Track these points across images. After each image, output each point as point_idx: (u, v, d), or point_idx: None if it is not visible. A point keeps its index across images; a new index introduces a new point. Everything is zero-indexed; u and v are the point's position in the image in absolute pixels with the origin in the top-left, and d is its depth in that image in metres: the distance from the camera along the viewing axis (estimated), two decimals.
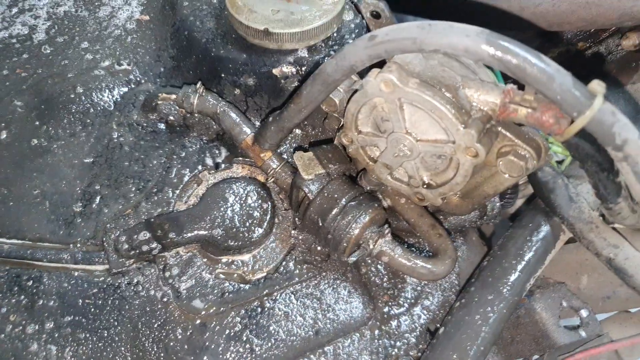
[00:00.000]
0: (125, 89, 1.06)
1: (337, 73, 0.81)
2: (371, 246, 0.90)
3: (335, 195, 0.92)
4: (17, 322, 0.87)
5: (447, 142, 0.80)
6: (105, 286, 0.92)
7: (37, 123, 1.01)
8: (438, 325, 1.02)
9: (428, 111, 0.78)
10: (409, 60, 0.80)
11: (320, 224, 0.92)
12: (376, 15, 1.17)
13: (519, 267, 0.99)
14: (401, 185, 0.93)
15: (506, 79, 0.81)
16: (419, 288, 1.06)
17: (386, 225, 0.92)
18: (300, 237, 1.02)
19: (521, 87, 0.75)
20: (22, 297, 0.89)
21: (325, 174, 0.95)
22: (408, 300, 1.04)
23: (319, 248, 1.01)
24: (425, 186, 0.89)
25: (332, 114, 0.98)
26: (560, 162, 1.17)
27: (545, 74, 0.64)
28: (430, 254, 0.97)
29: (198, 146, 1.05)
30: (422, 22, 0.72)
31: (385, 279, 1.05)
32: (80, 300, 0.90)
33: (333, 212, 0.91)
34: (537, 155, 0.79)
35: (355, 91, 0.88)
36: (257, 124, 1.08)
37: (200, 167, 1.03)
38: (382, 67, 0.80)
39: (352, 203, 0.91)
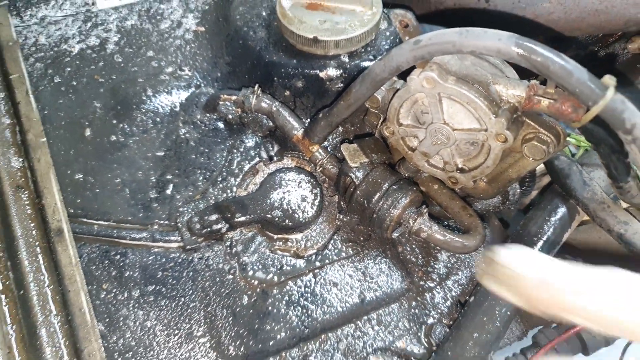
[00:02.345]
0: (188, 92, 1.21)
1: (384, 72, 0.95)
2: (411, 224, 1.04)
3: (379, 181, 1.06)
4: (109, 290, 1.01)
5: (480, 130, 0.94)
6: (180, 260, 1.06)
7: (115, 122, 1.15)
8: (467, 297, 1.15)
9: (464, 103, 0.92)
10: (446, 60, 0.94)
11: (366, 206, 1.06)
12: (405, 25, 1.32)
13: (540, 243, 1.12)
14: (437, 171, 1.06)
15: (527, 76, 0.96)
16: (449, 265, 1.19)
17: (424, 206, 1.06)
18: (344, 219, 1.16)
19: (542, 82, 0.89)
20: (112, 269, 1.03)
21: (368, 162, 1.09)
22: (440, 275, 1.18)
23: (361, 228, 1.15)
24: (459, 170, 1.03)
25: (373, 110, 1.12)
26: (573, 155, 1.31)
27: (565, 69, 0.78)
28: (461, 231, 1.11)
29: (254, 142, 1.19)
30: (460, 28, 0.86)
31: (419, 257, 1.19)
32: (160, 273, 1.04)
33: (377, 195, 1.05)
34: (556, 141, 0.93)
35: (397, 89, 1.02)
36: (305, 121, 1.22)
37: (256, 160, 1.17)
38: (423, 68, 0.94)
39: (394, 187, 1.05)
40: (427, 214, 1.05)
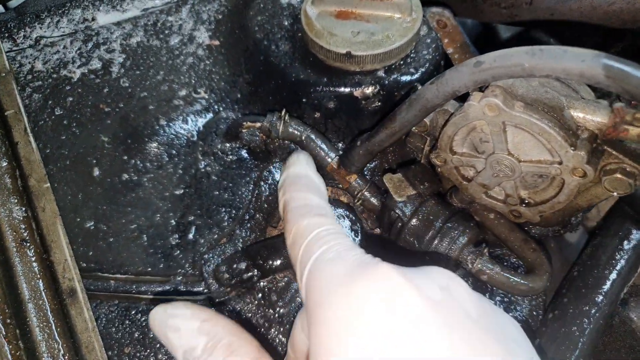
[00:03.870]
0: (206, 118, 1.08)
1: (438, 98, 0.81)
2: (470, 265, 0.91)
3: (431, 217, 0.93)
4: (132, 355, 0.89)
5: (552, 163, 0.80)
6: None
7: (125, 157, 1.02)
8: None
9: (534, 133, 0.78)
10: (510, 82, 0.80)
11: (417, 247, 0.93)
12: (444, 25, 1.17)
13: (612, 276, 0.99)
14: (497, 203, 0.93)
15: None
16: (506, 299, 1.07)
17: (484, 245, 0.93)
18: (389, 256, 1.03)
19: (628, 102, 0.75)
20: (134, 330, 0.91)
21: (416, 195, 0.95)
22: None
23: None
24: (523, 204, 0.90)
25: (418, 132, 0.98)
26: None
27: None
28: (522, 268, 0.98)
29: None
30: (531, 48, 0.72)
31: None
32: None
33: (430, 234, 0.92)
34: None
35: (450, 113, 0.88)
36: (339, 145, 1.08)
37: None
38: (484, 91, 0.80)
39: (448, 224, 0.92)
40: (487, 253, 0.92)
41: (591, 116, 0.77)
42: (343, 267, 0.54)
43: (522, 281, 0.91)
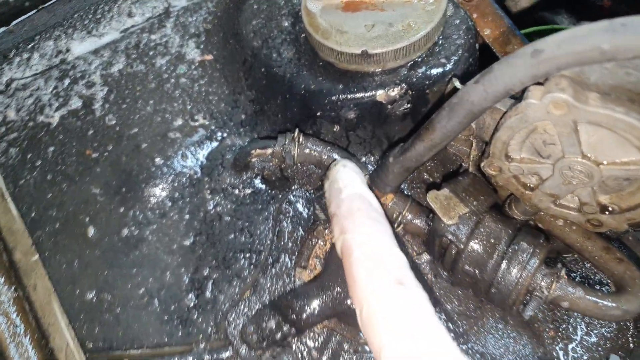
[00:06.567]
0: (209, 149, 0.93)
1: (486, 101, 0.64)
2: (545, 293, 0.75)
3: (492, 240, 0.76)
4: None
5: None
6: None
7: (122, 210, 0.88)
8: (620, 357, 0.86)
9: (618, 130, 0.61)
10: (579, 67, 0.62)
11: (479, 277, 0.77)
12: None
13: None
14: (570, 212, 0.76)
15: None
16: (586, 317, 0.90)
17: (559, 265, 0.76)
18: (444, 284, 0.87)
19: None
20: None
21: (470, 213, 0.79)
22: (579, 330, 0.89)
23: (469, 293, 0.87)
24: (606, 212, 0.72)
25: (463, 137, 0.81)
26: None
27: None
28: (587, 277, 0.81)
29: (304, 198, 0.91)
30: (610, 22, 0.54)
31: (545, 309, 0.90)
32: None
33: (493, 260, 0.75)
34: None
35: (502, 112, 0.71)
36: (367, 158, 0.92)
37: (312, 223, 0.89)
38: (545, 84, 0.63)
39: (514, 246, 0.75)
40: (564, 275, 0.75)
41: None
42: None
43: (612, 304, 0.75)
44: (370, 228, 0.66)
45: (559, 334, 0.89)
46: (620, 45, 0.53)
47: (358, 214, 0.68)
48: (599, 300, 0.75)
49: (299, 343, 0.82)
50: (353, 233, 0.65)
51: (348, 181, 0.73)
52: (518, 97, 0.68)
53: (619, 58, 0.54)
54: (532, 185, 0.76)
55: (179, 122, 0.94)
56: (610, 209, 0.72)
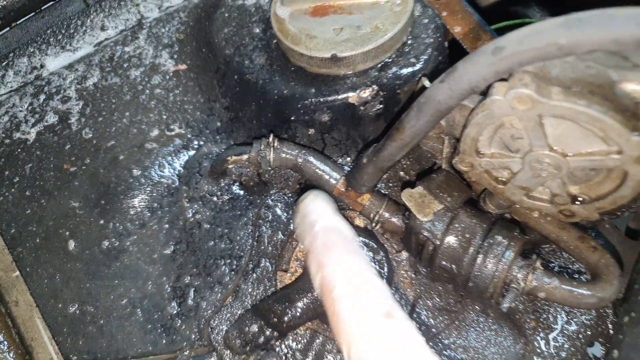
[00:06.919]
0: (186, 157, 0.93)
1: (452, 99, 0.65)
2: (522, 284, 0.76)
3: (467, 235, 0.77)
4: None
5: (608, 154, 0.64)
6: None
7: (102, 222, 0.88)
8: (601, 344, 0.88)
9: (581, 122, 0.62)
10: (541, 63, 0.64)
11: (456, 271, 0.78)
12: None
13: None
14: (542, 205, 0.77)
15: None
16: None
17: (534, 256, 0.77)
18: (423, 280, 0.88)
19: None
20: None
21: (444, 210, 0.80)
22: (560, 319, 0.90)
23: (449, 287, 0.88)
24: (577, 202, 0.73)
25: (434, 135, 0.82)
26: None
27: None
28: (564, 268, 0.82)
29: (283, 202, 0.91)
30: (566, 18, 0.55)
31: (525, 301, 0.91)
32: None
33: (469, 255, 0.76)
34: None
35: (470, 108, 0.72)
36: (343, 160, 0.93)
37: (292, 226, 0.89)
38: (509, 80, 0.64)
39: (489, 240, 0.77)
40: (540, 265, 0.77)
41: None
42: None
43: (588, 292, 0.76)
44: (348, 263, 0.64)
45: (540, 324, 0.90)
46: (576, 39, 0.54)
47: (334, 248, 0.66)
48: (574, 289, 0.76)
49: (282, 346, 0.83)
50: (332, 267, 0.63)
51: (320, 213, 0.71)
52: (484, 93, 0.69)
53: (576, 52, 0.56)
54: (504, 179, 0.77)
55: (155, 132, 0.95)
56: (580, 199, 0.73)
